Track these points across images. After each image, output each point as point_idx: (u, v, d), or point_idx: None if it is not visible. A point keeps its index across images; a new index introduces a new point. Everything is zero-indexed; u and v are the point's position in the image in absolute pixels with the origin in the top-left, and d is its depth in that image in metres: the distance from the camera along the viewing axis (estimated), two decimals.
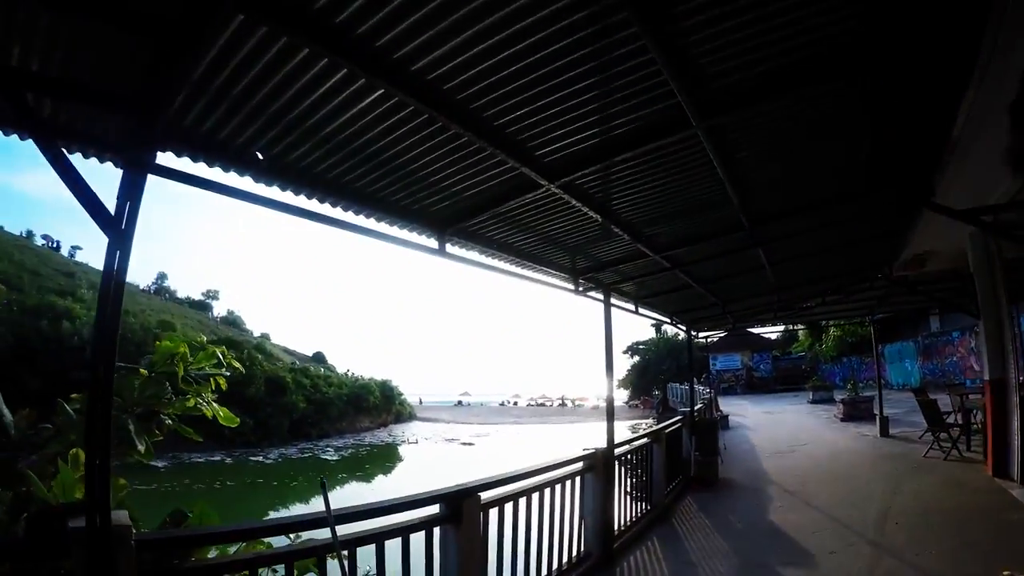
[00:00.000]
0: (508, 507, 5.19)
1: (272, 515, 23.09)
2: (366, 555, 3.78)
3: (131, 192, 2.82)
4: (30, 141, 2.81)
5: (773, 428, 21.01)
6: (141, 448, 3.70)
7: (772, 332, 44.49)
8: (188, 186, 3.29)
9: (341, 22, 2.85)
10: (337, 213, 4.56)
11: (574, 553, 6.54)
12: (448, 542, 4.43)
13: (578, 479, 6.66)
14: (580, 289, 7.89)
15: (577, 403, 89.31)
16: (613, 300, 8.65)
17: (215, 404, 4.12)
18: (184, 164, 3.50)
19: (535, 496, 5.60)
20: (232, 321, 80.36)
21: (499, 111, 3.74)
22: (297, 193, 4.21)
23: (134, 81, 2.99)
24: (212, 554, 3.57)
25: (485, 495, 4.74)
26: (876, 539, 7.12)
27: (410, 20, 2.88)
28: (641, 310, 11.09)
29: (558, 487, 6.11)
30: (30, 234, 65.31)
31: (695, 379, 18.17)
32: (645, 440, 9.48)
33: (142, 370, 3.97)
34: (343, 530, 3.51)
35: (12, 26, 2.67)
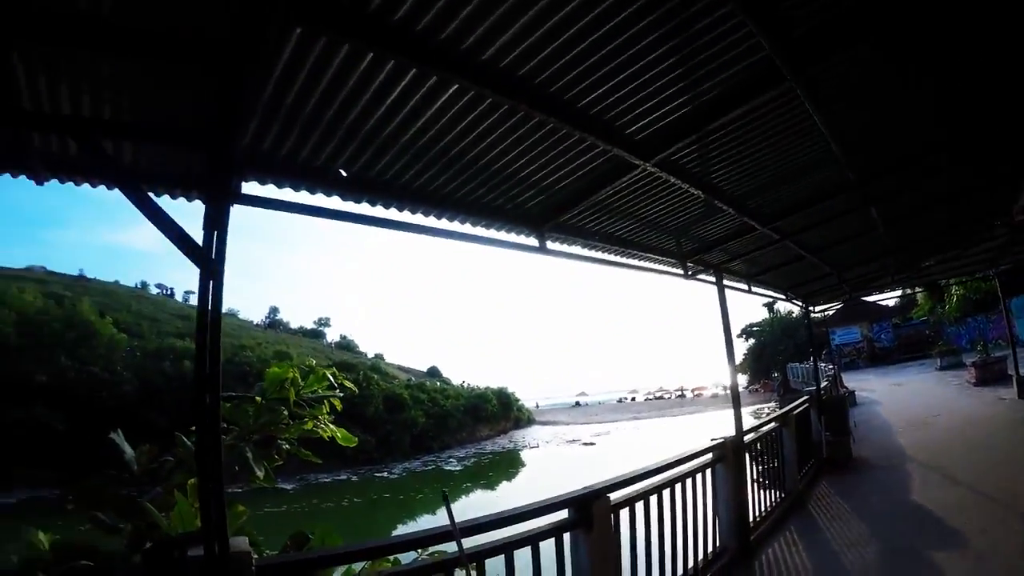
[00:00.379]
0: (639, 506, 4.97)
1: (400, 529, 23.64)
2: (494, 567, 3.66)
3: (215, 223, 2.84)
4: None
5: (903, 400, 20.01)
6: (260, 474, 3.74)
7: (889, 299, 42.19)
8: (283, 212, 3.29)
9: (399, 20, 2.72)
10: (430, 222, 4.48)
11: (709, 549, 6.24)
12: (579, 548, 4.27)
13: (708, 471, 6.37)
14: (689, 273, 7.58)
15: (696, 393, 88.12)
16: (725, 281, 8.29)
17: (332, 425, 4.11)
18: (269, 191, 3.50)
19: (665, 492, 5.36)
20: (345, 345, 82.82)
21: (580, 91, 3.52)
22: (387, 206, 4.14)
23: (203, 114, 2.99)
24: (337, 575, 3.54)
25: (614, 496, 4.55)
26: None
27: (470, 7, 2.74)
28: (754, 288, 10.59)
29: (688, 481, 5.84)
30: (144, 285, 69.77)
31: (816, 356, 17.33)
32: (773, 425, 9.09)
33: (256, 398, 4.00)
34: (470, 542, 3.41)
35: (78, 77, 2.71)
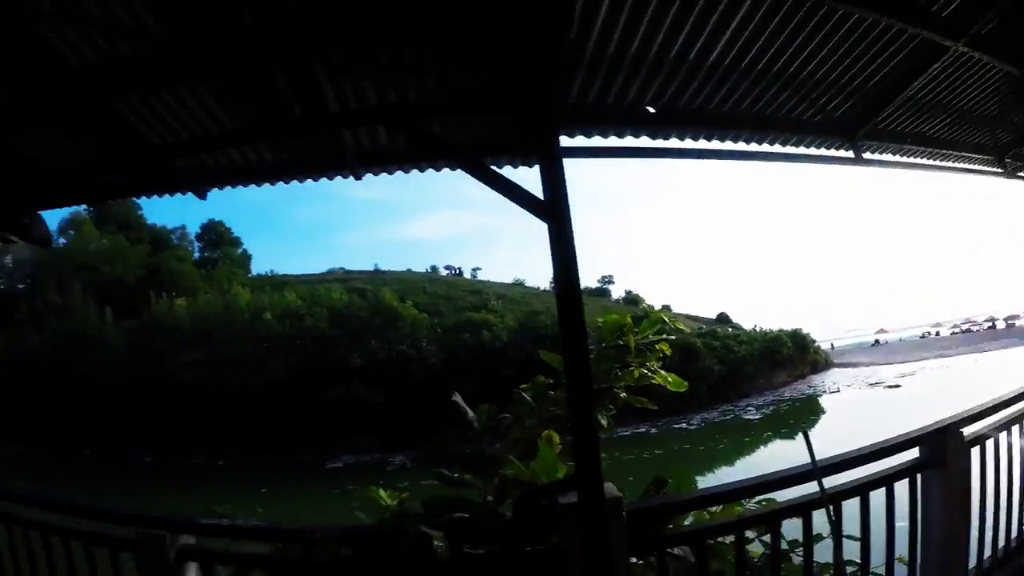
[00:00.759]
0: (989, 444, 4.45)
1: (702, 481, 23.55)
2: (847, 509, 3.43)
3: (552, 179, 2.89)
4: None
5: None
6: (604, 423, 3.74)
7: None
8: (598, 159, 3.32)
9: None
10: (738, 147, 4.36)
11: None
12: (931, 489, 3.89)
13: None
14: (1008, 171, 6.56)
15: (1009, 322, 77.78)
16: None
17: (662, 371, 4.07)
18: (579, 141, 3.55)
19: (1015, 428, 4.76)
20: (631, 299, 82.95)
21: None
22: (696, 138, 4.03)
23: (511, 79, 3.06)
24: (687, 520, 3.53)
25: (966, 431, 4.11)
26: None
27: None
28: None
29: None
30: (434, 268, 74.80)
31: None
32: None
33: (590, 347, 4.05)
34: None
35: (379, 68, 2.87)
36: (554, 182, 2.89)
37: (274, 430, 35.52)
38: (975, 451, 4.24)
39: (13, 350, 38.81)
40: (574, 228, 2.81)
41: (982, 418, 4.34)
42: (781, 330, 57.61)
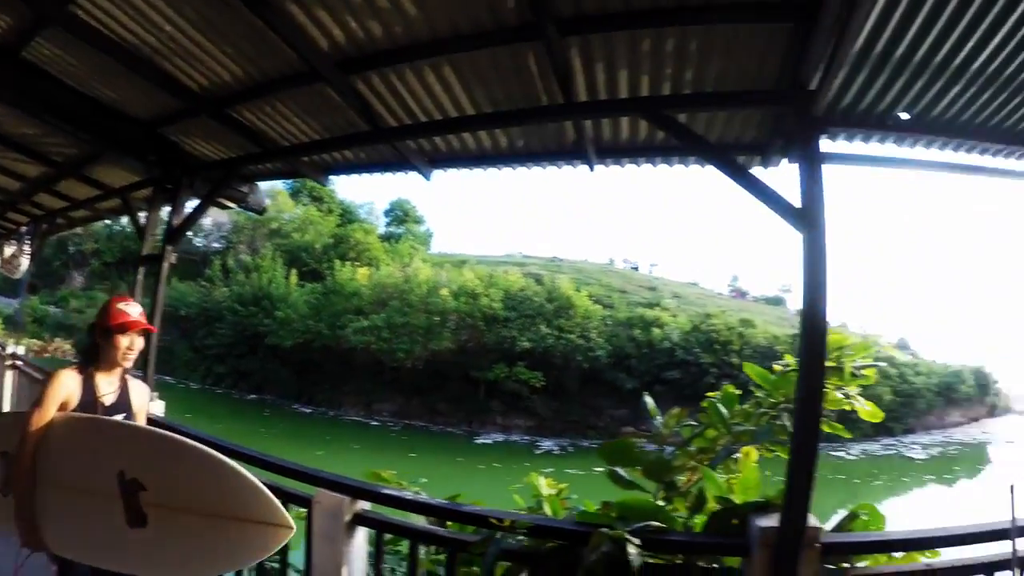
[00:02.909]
0: None
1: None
2: None
3: (811, 185, 2.78)
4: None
5: None
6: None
7: None
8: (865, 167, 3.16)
9: None
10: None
11: None
12: None
13: None
14: None
15: None
16: None
17: (860, 398, 3.83)
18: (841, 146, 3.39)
19: None
20: None
21: None
22: (943, 148, 3.66)
23: (771, 74, 2.98)
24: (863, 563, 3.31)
25: None
26: None
27: None
28: None
29: None
30: (611, 260, 74.50)
31: None
32: None
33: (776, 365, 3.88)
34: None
35: (637, 58, 2.86)
36: (813, 188, 2.77)
37: (430, 399, 37.50)
38: None
39: (204, 301, 43.29)
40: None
41: None
42: (962, 365, 51.81)
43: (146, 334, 3.21)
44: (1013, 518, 2.85)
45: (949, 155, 3.69)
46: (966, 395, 48.98)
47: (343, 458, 23.27)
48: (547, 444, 33.47)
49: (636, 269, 71.73)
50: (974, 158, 3.75)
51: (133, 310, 3.04)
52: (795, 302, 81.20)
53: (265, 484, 2.78)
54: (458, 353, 37.34)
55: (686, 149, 3.40)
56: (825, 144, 3.34)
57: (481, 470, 25.64)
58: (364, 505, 3.30)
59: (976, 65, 3.10)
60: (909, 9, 2.71)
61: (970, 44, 2.95)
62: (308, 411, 38.15)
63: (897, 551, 3.17)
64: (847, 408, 3.93)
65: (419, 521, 3.41)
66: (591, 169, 3.73)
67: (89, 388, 2.98)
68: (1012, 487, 2.99)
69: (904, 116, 3.37)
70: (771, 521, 2.72)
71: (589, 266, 63.69)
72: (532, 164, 4.00)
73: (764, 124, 3.39)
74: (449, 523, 3.41)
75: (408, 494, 3.56)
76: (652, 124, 3.12)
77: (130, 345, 3.03)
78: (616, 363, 38.09)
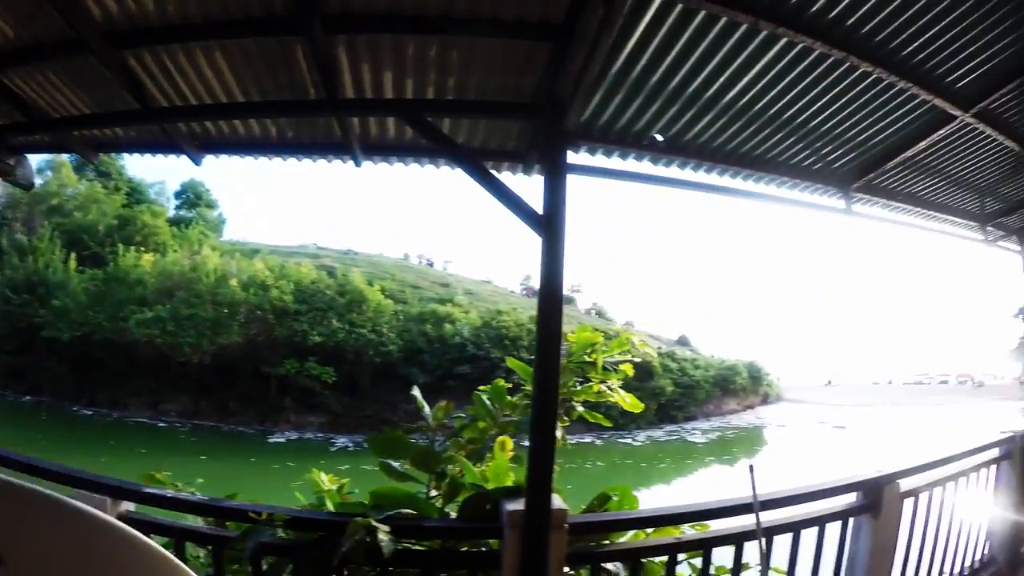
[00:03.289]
0: (923, 496, 4.64)
1: (640, 497, 23.78)
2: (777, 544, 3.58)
3: (554, 193, 2.96)
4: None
5: None
6: (558, 434, 3.80)
7: None
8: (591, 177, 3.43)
9: None
10: (736, 183, 4.48)
11: (976, 557, 5.69)
12: (861, 534, 4.08)
13: (991, 468, 5.79)
14: (989, 239, 6.81)
15: (960, 380, 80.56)
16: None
17: (621, 391, 4.16)
18: (583, 159, 3.67)
19: (950, 485, 4.95)
20: (597, 312, 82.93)
21: (904, 39, 3.29)
22: (696, 169, 4.19)
23: (530, 88, 3.17)
24: (623, 538, 3.62)
25: (903, 483, 4.28)
26: None
27: None
28: None
29: (968, 477, 5.35)
30: (406, 256, 73.92)
31: None
32: None
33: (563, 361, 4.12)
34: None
35: (402, 61, 2.97)
36: (556, 197, 2.96)
37: (220, 397, 35.65)
38: (908, 503, 4.43)
39: None
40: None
41: (919, 472, 4.52)
42: (738, 360, 58.80)
43: None
44: (754, 493, 3.25)
45: (702, 176, 4.22)
46: (741, 386, 55.30)
47: (130, 464, 21.33)
48: (342, 441, 32.98)
49: (431, 265, 72.15)
50: (718, 179, 4.29)
51: None
52: (585, 301, 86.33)
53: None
54: (248, 348, 35.97)
55: (440, 152, 3.53)
56: (582, 158, 3.66)
57: (275, 470, 24.74)
58: (128, 506, 3.16)
59: (725, 99, 3.58)
60: (662, 46, 3.10)
61: (720, 79, 3.41)
62: (89, 413, 35.22)
63: (643, 528, 3.51)
64: (614, 400, 4.27)
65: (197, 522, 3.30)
66: (357, 165, 3.77)
67: None
68: (751, 466, 3.39)
69: (659, 138, 3.77)
70: (519, 505, 2.88)
71: (384, 260, 63.53)
72: (302, 156, 3.95)
73: (524, 135, 3.61)
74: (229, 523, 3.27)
75: (170, 492, 3.40)
76: (409, 126, 3.21)
77: None
78: (408, 358, 38.49)
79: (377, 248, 75.85)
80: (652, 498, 22.66)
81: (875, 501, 3.99)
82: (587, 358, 3.99)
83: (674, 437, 40.30)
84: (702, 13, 2.87)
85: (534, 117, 3.23)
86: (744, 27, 3.00)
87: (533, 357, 4.24)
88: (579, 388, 4.02)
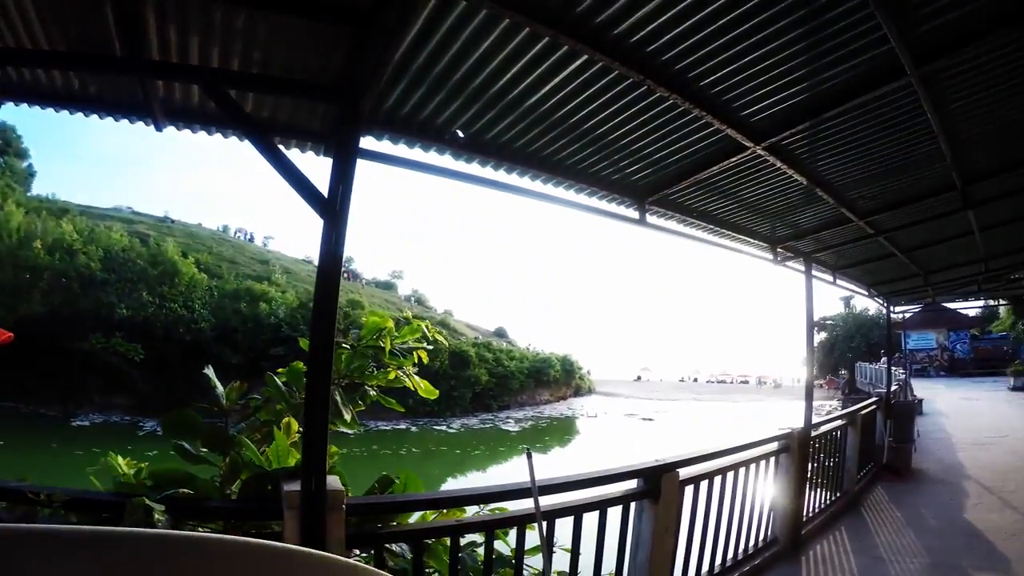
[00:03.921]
0: (703, 485, 5.05)
1: (453, 482, 24.22)
2: (561, 527, 3.81)
3: (342, 177, 2.98)
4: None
5: (970, 416, 19.37)
6: (347, 417, 3.82)
7: (970, 308, 40.64)
8: (391, 167, 3.46)
9: None
10: (536, 186, 4.62)
11: (760, 538, 6.27)
12: (643, 518, 4.39)
13: (772, 460, 6.38)
14: (778, 259, 7.47)
15: (760, 380, 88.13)
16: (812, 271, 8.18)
17: (416, 377, 4.24)
18: (386, 147, 3.70)
19: (729, 475, 5.42)
20: (417, 299, 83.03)
21: (704, 71, 3.51)
22: (496, 168, 4.29)
23: (334, 71, 3.14)
24: (413, 519, 3.70)
25: (683, 471, 4.64)
26: None
27: None
28: (839, 281, 10.38)
29: (752, 467, 5.88)
30: (225, 228, 70.37)
31: (883, 359, 16.90)
32: (840, 423, 8.99)
33: (344, 344, 4.14)
34: (544, 501, 3.54)
35: (210, 28, 2.86)
36: (343, 180, 2.99)
37: (19, 374, 31.32)
38: (689, 489, 4.80)
39: None
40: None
41: (699, 462, 4.90)
42: (552, 353, 61.32)
43: None
44: (532, 478, 3.40)
45: (503, 175, 4.36)
46: (555, 378, 57.65)
47: None
48: (151, 424, 30.75)
49: (251, 240, 69.93)
50: (518, 179, 4.45)
51: None
52: (405, 287, 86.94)
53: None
54: (51, 320, 32.14)
55: (233, 124, 3.45)
56: (383, 146, 3.71)
57: (79, 456, 22.88)
58: None
59: (527, 104, 3.71)
60: (466, 46, 3.15)
61: (522, 84, 3.53)
62: None
63: (422, 510, 3.60)
64: (409, 385, 4.33)
65: None
66: (158, 130, 3.60)
67: None
68: (528, 452, 3.53)
69: (460, 134, 3.86)
70: (296, 486, 2.88)
71: (202, 232, 60.42)
72: (104, 113, 3.69)
73: (328, 116, 3.58)
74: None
75: None
76: (205, 95, 3.12)
77: None
78: (221, 337, 36.87)
79: (196, 218, 71.57)
80: (467, 483, 23.27)
81: (654, 488, 4.30)
82: (378, 343, 4.05)
83: (488, 425, 41.20)
84: (506, 21, 2.95)
85: (331, 100, 3.21)
86: (546, 40, 3.10)
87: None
88: (375, 373, 4.07)
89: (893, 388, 15.24)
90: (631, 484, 4.33)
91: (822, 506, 7.85)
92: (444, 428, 38.75)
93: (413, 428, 37.35)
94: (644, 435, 36.86)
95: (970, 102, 4.25)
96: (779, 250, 7.43)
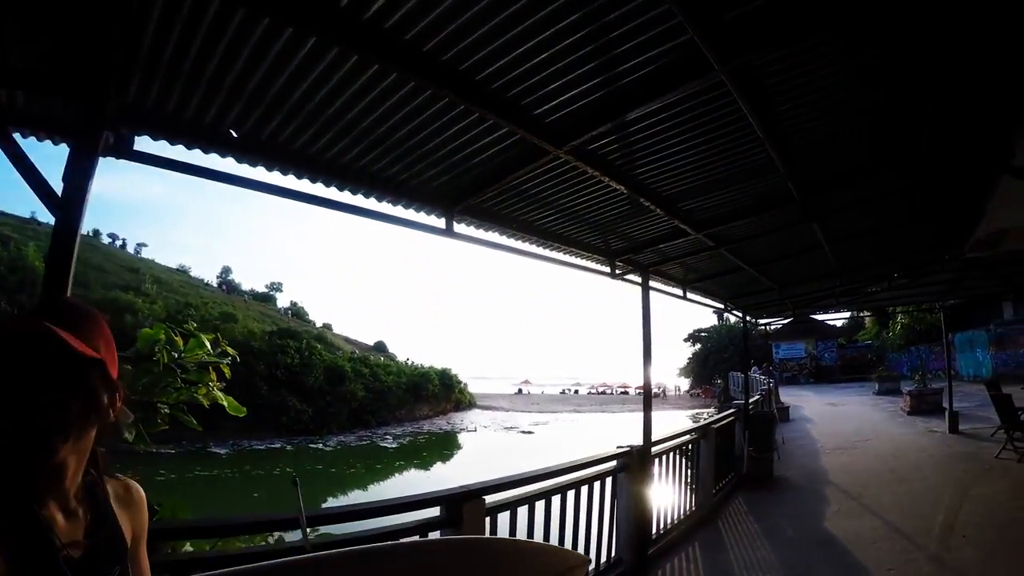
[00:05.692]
0: (521, 511, 4.84)
1: (334, 501, 23.62)
2: None
3: (78, 174, 2.74)
4: None
5: (835, 421, 20.42)
6: (129, 437, 3.59)
7: (838, 320, 43.65)
8: (174, 172, 3.34)
9: None
10: (330, 193, 4.30)
11: (603, 560, 6.18)
12: None
13: (609, 479, 6.29)
14: (617, 273, 7.38)
15: (639, 391, 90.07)
16: (658, 284, 8.21)
17: (219, 393, 4.05)
18: (160, 148, 3.42)
19: (555, 499, 5.25)
20: (296, 312, 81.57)
21: (492, 72, 3.30)
22: (284, 172, 3.96)
23: (86, 62, 2.84)
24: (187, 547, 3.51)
25: (492, 498, 4.43)
26: (940, 554, 6.59)
27: None
28: (690, 295, 10.35)
29: (584, 489, 5.76)
30: (96, 233, 66.97)
31: (755, 368, 17.54)
32: (690, 436, 9.02)
33: (124, 356, 3.81)
34: (337, 530, 3.50)
35: None
36: (80, 177, 2.75)
37: None
38: (503, 516, 4.63)
39: None
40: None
41: (514, 487, 4.73)
42: (431, 367, 62.07)
43: None
44: (301, 508, 3.10)
45: (291, 181, 4.05)
46: (434, 392, 58.13)
47: None
48: None
49: (123, 247, 67.48)
50: (310, 186, 4.18)
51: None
52: (284, 300, 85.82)
53: None
54: None
55: None
56: (160, 147, 3.42)
57: None
58: None
59: (312, 105, 3.44)
60: (236, 44, 2.89)
61: (303, 85, 3.29)
62: None
63: (176, 539, 3.34)
64: (205, 403, 4.04)
65: None
66: None
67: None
68: (295, 480, 3.24)
69: (235, 133, 3.55)
70: None
71: None
72: None
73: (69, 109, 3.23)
74: None
75: None
76: None
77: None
78: None
79: None
80: (349, 500, 22.81)
81: (456, 516, 4.07)
82: (157, 356, 3.80)
83: (366, 443, 40.90)
84: (266, 20, 2.75)
85: (63, 92, 2.90)
86: (313, 41, 2.91)
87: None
88: (173, 391, 3.85)
89: (755, 397, 15.75)
90: (432, 512, 4.08)
91: (675, 522, 7.88)
92: (320, 446, 38.22)
93: (288, 447, 36.60)
94: (522, 447, 37.42)
95: (796, 108, 4.15)
96: (617, 263, 7.33)
